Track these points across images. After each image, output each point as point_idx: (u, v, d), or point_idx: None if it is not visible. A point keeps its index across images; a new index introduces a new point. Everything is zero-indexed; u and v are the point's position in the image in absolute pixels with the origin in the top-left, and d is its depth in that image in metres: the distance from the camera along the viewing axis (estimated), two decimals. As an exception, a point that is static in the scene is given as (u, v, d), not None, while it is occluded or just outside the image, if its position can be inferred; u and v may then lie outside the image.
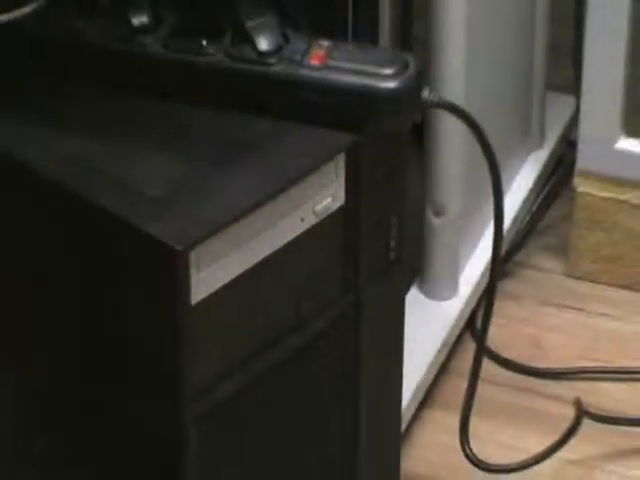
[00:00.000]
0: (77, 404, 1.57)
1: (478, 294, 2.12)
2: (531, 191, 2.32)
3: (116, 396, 1.52)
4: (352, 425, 1.71)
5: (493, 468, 1.95)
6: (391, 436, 1.83)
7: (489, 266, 1.77)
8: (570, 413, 2.02)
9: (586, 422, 1.99)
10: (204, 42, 1.54)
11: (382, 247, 1.65)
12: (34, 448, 1.68)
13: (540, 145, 2.38)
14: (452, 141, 1.99)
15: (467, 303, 2.10)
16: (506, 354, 2.09)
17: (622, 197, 2.27)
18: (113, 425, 1.57)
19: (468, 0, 2.01)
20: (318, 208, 1.51)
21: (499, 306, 2.00)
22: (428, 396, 2.04)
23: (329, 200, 1.51)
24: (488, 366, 2.03)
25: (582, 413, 1.98)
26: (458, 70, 1.96)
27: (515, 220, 2.20)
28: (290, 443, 1.67)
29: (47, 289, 1.54)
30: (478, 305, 2.10)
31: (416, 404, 1.96)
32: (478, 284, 2.12)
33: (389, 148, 1.59)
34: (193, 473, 1.49)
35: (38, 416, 1.70)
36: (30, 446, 1.59)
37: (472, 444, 1.91)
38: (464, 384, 1.89)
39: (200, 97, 1.57)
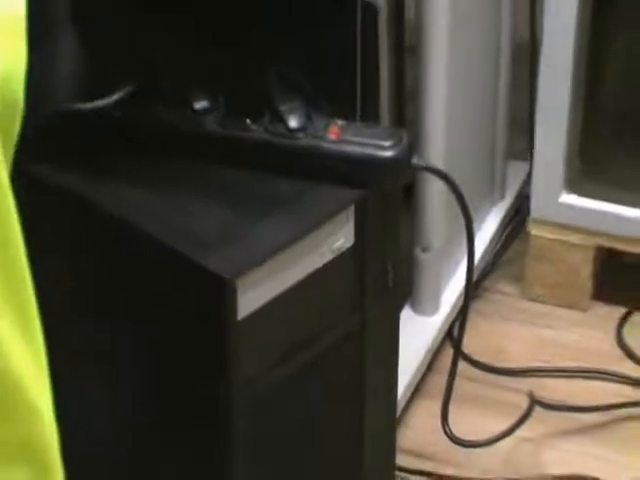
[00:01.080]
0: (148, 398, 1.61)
1: (455, 311, 2.10)
2: (495, 233, 2.28)
3: (179, 386, 1.59)
4: (359, 413, 1.74)
5: (466, 444, 1.96)
6: (388, 420, 1.83)
7: (464, 290, 1.87)
8: (524, 402, 2.04)
9: (537, 409, 2.01)
10: (249, 121, 1.60)
11: (382, 276, 1.69)
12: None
13: (502, 198, 2.36)
14: (435, 195, 2.00)
15: (447, 318, 2.10)
16: (476, 357, 2.07)
17: (564, 239, 2.25)
18: (183, 407, 1.60)
19: (447, 87, 2.02)
20: (334, 247, 1.57)
21: (471, 321, 1.95)
22: (417, 389, 2.04)
23: (342, 241, 1.58)
24: (462, 366, 1.99)
25: (534, 402, 1.99)
26: (440, 141, 1.97)
27: (483, 255, 2.17)
28: (312, 429, 1.72)
29: (121, 312, 1.60)
30: (455, 320, 2.08)
31: (408, 395, 1.98)
32: (455, 304, 2.11)
33: (388, 201, 1.64)
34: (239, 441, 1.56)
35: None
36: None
37: (450, 425, 1.93)
38: (444, 380, 1.92)
39: (245, 162, 1.61)
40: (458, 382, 1.92)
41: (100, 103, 1.55)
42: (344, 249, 1.60)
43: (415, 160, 1.69)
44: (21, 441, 0.94)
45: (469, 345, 2.00)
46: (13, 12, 0.96)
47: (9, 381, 0.90)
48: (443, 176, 1.77)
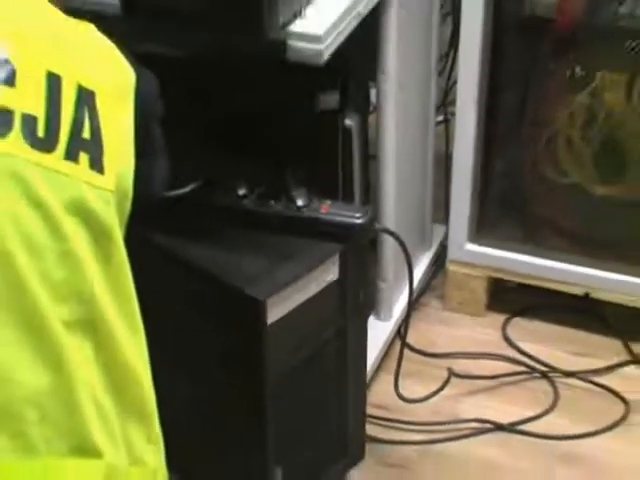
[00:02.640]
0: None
1: (402, 318, 2.14)
2: (426, 270, 2.37)
3: (230, 367, 1.68)
4: (344, 381, 1.86)
5: (408, 400, 2.05)
6: (361, 386, 1.94)
7: (407, 304, 2.00)
8: (446, 374, 2.15)
9: (453, 379, 2.13)
10: (272, 202, 1.72)
11: (356, 297, 1.81)
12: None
13: (430, 248, 2.43)
14: (389, 247, 2.10)
15: (396, 322, 2.19)
16: (416, 346, 2.17)
17: (468, 272, 2.31)
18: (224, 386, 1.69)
19: (395, 183, 2.09)
20: (326, 279, 1.70)
21: (412, 324, 2.07)
22: (378, 367, 2.14)
23: (331, 276, 1.70)
24: (407, 353, 2.06)
25: (451, 374, 2.09)
26: (391, 213, 2.06)
27: (419, 283, 2.22)
28: (316, 391, 1.84)
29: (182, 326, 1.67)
30: (402, 323, 2.12)
31: (372, 371, 2.07)
32: (402, 313, 2.17)
33: (360, 251, 1.77)
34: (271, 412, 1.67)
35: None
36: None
37: (399, 389, 2.03)
38: (395, 361, 2.04)
39: (271, 228, 1.73)
40: (404, 363, 2.04)
41: (180, 192, 1.65)
42: (332, 281, 1.70)
43: (376, 225, 1.89)
44: (138, 407, 1.11)
45: (411, 339, 2.11)
46: (125, 137, 1.11)
47: (129, 367, 1.10)
48: (393, 235, 1.95)
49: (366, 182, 2.02)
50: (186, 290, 1.58)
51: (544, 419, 2.02)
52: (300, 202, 1.69)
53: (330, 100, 1.87)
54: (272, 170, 1.76)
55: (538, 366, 2.15)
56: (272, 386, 1.65)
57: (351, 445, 1.89)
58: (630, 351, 2.14)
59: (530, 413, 2.03)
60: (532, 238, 2.21)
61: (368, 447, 1.92)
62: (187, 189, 1.64)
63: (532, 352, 2.18)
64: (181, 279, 1.63)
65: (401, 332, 2.11)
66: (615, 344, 2.17)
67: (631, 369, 2.12)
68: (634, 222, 2.13)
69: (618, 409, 2.02)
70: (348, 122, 1.89)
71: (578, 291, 2.15)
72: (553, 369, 2.14)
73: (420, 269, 2.21)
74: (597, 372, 2.12)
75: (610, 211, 2.12)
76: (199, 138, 1.61)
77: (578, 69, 2.04)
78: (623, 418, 2.00)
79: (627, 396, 2.04)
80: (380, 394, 2.05)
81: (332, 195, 1.81)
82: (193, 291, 1.64)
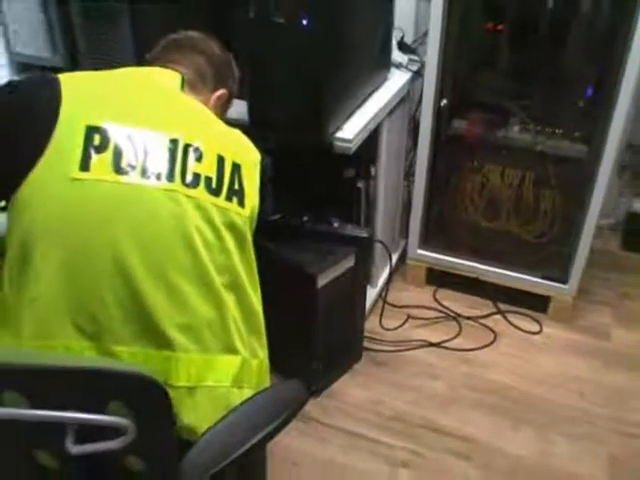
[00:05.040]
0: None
1: (382, 287, 2.08)
2: (396, 262, 2.17)
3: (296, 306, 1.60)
4: (354, 317, 1.78)
5: (386, 329, 1.97)
6: (361, 319, 1.86)
7: (386, 280, 2.01)
8: (405, 316, 2.09)
9: (410, 319, 2.06)
10: (320, 224, 1.66)
11: (362, 275, 1.76)
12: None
13: (397, 250, 2.22)
14: (378, 249, 2.00)
15: (380, 288, 2.08)
16: (390, 301, 2.06)
17: (419, 265, 2.17)
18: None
19: (382, 221, 1.99)
20: (347, 266, 1.65)
21: (388, 290, 2.05)
22: (370, 312, 2.03)
23: (350, 263, 1.65)
24: (386, 306, 2.04)
25: (408, 317, 2.02)
26: (380, 231, 1.96)
27: (392, 269, 2.01)
28: (340, 323, 1.74)
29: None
30: (383, 289, 2.08)
31: (367, 313, 1.95)
32: (382, 284, 2.08)
33: (363, 251, 1.71)
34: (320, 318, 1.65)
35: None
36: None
37: (382, 323, 1.99)
38: (379, 309, 2.03)
39: (319, 237, 1.64)
40: (384, 310, 2.06)
41: (274, 218, 1.58)
42: (350, 266, 1.69)
43: (373, 237, 1.93)
44: (256, 327, 1.09)
45: (387, 298, 2.08)
46: (255, 188, 1.09)
47: (253, 307, 1.07)
48: (382, 243, 2.00)
49: (367, 215, 1.99)
50: (276, 270, 1.49)
51: (454, 341, 2.05)
52: (335, 224, 1.70)
53: (350, 172, 1.89)
54: (320, 208, 1.73)
55: (451, 314, 2.15)
56: (319, 316, 1.65)
57: (355, 351, 1.91)
58: (497, 308, 2.17)
59: (447, 337, 2.05)
60: (450, 247, 2.19)
61: (364, 353, 1.95)
62: (277, 217, 1.61)
63: (448, 306, 2.19)
64: (274, 264, 1.55)
65: (382, 294, 2.13)
66: (489, 304, 2.18)
67: (498, 317, 2.15)
68: (499, 242, 2.11)
69: (491, 336, 2.06)
70: (359, 185, 1.90)
71: (473, 275, 2.17)
72: (459, 315, 2.15)
73: (393, 261, 2.14)
74: (480, 317, 2.13)
75: (490, 234, 2.13)
76: (282, 193, 1.39)
77: (476, 162, 2.05)
78: (493, 341, 2.04)
79: (495, 329, 2.09)
80: (371, 325, 2.06)
81: (350, 221, 1.78)
82: (280, 271, 1.60)
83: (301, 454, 1.64)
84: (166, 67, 1.17)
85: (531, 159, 1.94)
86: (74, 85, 1.01)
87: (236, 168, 1.06)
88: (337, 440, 1.71)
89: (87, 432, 0.74)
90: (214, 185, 1.02)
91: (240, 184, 1.06)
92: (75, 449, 0.73)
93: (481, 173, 2.05)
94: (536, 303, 2.11)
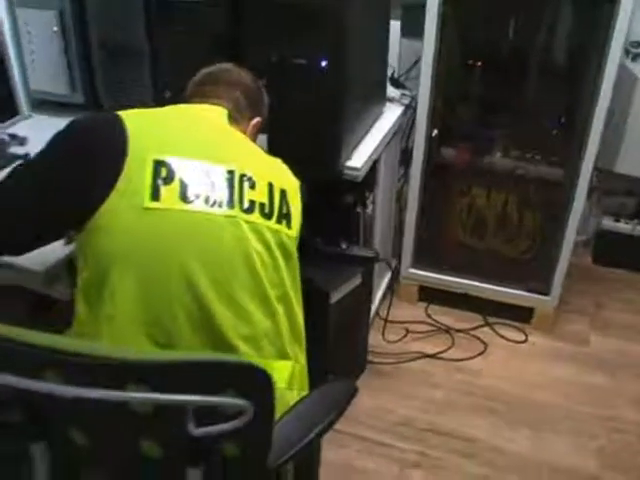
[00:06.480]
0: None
1: (379, 301, 2.17)
2: (389, 280, 2.27)
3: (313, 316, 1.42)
4: (359, 331, 1.86)
5: (388, 342, 2.05)
6: (366, 334, 1.93)
7: (387, 296, 2.14)
8: (404, 331, 2.17)
9: (409, 333, 2.15)
10: (332, 246, 1.70)
11: (367, 291, 1.83)
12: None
13: (391, 269, 2.27)
14: (377, 268, 2.01)
15: (378, 303, 2.14)
16: (390, 319, 2.11)
17: (409, 283, 2.26)
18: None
19: (380, 237, 2.08)
20: (356, 282, 1.71)
21: (385, 306, 2.12)
22: (372, 326, 2.09)
23: (358, 281, 1.72)
24: (381, 320, 2.14)
25: (407, 331, 2.10)
26: (379, 251, 1.87)
27: (386, 287, 2.21)
28: (347, 336, 1.79)
29: None
30: (380, 305, 2.18)
31: (370, 327, 2.02)
32: (379, 300, 2.15)
33: (369, 269, 1.79)
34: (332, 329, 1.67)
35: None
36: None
37: (385, 336, 2.09)
38: (377, 324, 2.12)
39: (331, 257, 1.68)
40: (386, 326, 2.16)
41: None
42: (358, 283, 1.76)
43: (376, 257, 1.86)
44: (298, 336, 1.13)
45: (383, 313, 2.16)
46: (298, 212, 1.14)
47: (297, 317, 1.13)
48: (385, 261, 2.16)
49: (365, 237, 2.02)
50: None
51: (448, 352, 2.16)
52: (344, 246, 1.77)
53: (349, 199, 1.92)
54: (327, 231, 1.74)
55: (443, 327, 2.25)
56: (330, 328, 1.69)
57: (360, 363, 1.99)
58: (486, 320, 2.28)
59: (441, 349, 2.16)
60: (440, 266, 2.30)
61: (367, 365, 2.04)
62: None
63: (440, 320, 2.28)
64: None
65: (379, 311, 2.23)
66: (478, 317, 2.29)
67: (486, 329, 2.27)
68: (485, 259, 2.22)
69: (481, 346, 2.19)
70: (358, 210, 1.93)
71: (462, 291, 2.28)
72: (451, 328, 2.25)
73: (386, 280, 2.31)
74: (470, 329, 2.25)
75: (477, 252, 2.25)
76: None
77: (463, 186, 2.18)
78: (484, 351, 2.17)
79: (485, 340, 2.21)
80: (373, 339, 2.15)
81: (352, 242, 1.84)
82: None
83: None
84: (206, 102, 1.22)
85: (513, 182, 2.09)
86: (137, 123, 1.06)
87: (283, 194, 1.13)
88: (353, 445, 1.83)
89: (202, 417, 0.80)
90: (267, 210, 1.09)
91: (287, 208, 1.13)
92: (197, 431, 0.79)
93: (468, 196, 2.18)
94: (521, 314, 2.25)
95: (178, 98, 1.28)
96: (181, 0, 1.59)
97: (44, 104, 1.97)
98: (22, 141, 1.77)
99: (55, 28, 1.81)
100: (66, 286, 1.29)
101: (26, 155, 1.65)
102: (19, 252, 1.11)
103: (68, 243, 1.22)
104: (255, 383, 0.82)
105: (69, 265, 1.26)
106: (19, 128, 1.86)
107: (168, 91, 1.68)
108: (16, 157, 1.65)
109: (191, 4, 1.60)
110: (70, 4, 1.79)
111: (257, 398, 0.82)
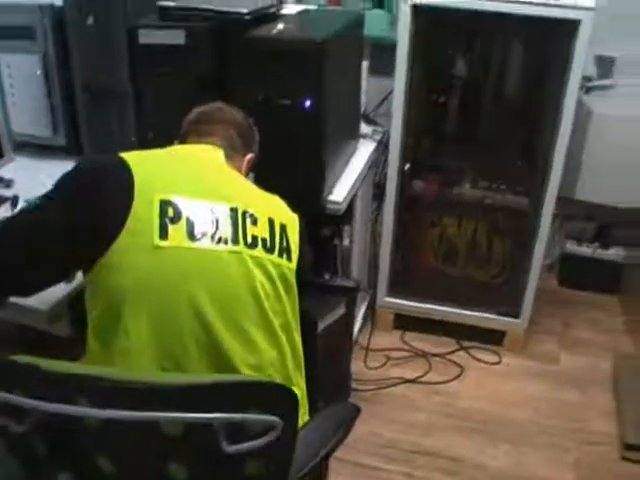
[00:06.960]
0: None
1: (358, 329, 2.20)
2: (365, 310, 2.30)
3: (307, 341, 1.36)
4: (343, 359, 1.86)
5: (369, 368, 2.10)
6: (348, 362, 1.92)
7: (367, 322, 2.15)
8: (384, 359, 2.20)
9: (389, 360, 2.21)
10: (318, 277, 1.75)
11: (350, 319, 1.83)
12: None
13: (368, 298, 2.33)
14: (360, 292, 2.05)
15: (357, 330, 2.17)
16: (371, 347, 2.17)
17: (386, 312, 2.30)
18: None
19: (357, 268, 2.15)
20: (340, 312, 1.73)
21: (364, 334, 2.21)
22: (354, 354, 2.08)
23: (342, 310, 1.73)
24: (361, 349, 2.19)
25: (388, 358, 2.14)
26: (359, 278, 2.02)
27: (364, 315, 2.25)
28: (334, 366, 1.80)
29: None
30: (360, 333, 2.23)
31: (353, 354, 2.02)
32: (359, 326, 2.19)
33: (352, 297, 1.80)
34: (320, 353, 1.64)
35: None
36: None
37: (367, 362, 2.13)
38: (358, 351, 2.17)
39: (318, 289, 1.70)
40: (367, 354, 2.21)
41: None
42: (342, 313, 1.76)
43: (358, 287, 1.94)
44: (299, 363, 1.16)
45: (363, 341, 2.23)
46: (297, 246, 1.15)
47: (297, 345, 1.16)
48: (366, 291, 2.28)
49: (342, 269, 2.09)
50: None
51: (426, 376, 2.21)
52: (327, 276, 1.85)
53: (329, 231, 2.00)
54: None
55: (420, 353, 2.30)
56: (319, 358, 1.67)
57: (345, 390, 2.00)
58: (460, 344, 2.35)
59: (419, 373, 2.22)
60: (415, 293, 2.34)
61: (352, 392, 2.07)
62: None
63: (417, 346, 2.33)
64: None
65: (359, 340, 2.27)
66: (453, 341, 2.36)
67: (461, 352, 2.34)
68: (458, 286, 2.29)
69: (457, 370, 2.25)
70: (335, 242, 2.01)
71: (437, 317, 2.33)
72: (427, 353, 2.30)
73: (363, 309, 2.33)
74: (446, 354, 2.31)
75: (450, 279, 2.32)
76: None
77: (435, 217, 2.25)
78: (460, 374, 2.22)
79: (460, 363, 2.27)
80: (355, 366, 2.16)
81: (332, 273, 1.91)
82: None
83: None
84: (201, 140, 1.24)
85: (482, 211, 2.18)
86: (140, 164, 1.08)
87: (283, 228, 1.16)
88: (343, 470, 1.85)
89: (229, 437, 0.83)
90: (269, 245, 1.12)
91: (287, 242, 1.17)
92: (230, 449, 0.83)
93: (439, 226, 2.25)
94: (493, 337, 2.32)
95: (162, 140, 1.29)
96: (165, 43, 1.60)
97: (26, 146, 1.98)
98: (8, 183, 1.78)
99: (38, 72, 1.83)
100: (66, 323, 1.32)
101: (15, 198, 1.66)
102: (28, 294, 1.13)
103: (69, 282, 1.23)
104: (280, 400, 0.87)
105: (70, 303, 1.29)
106: (4, 171, 1.85)
107: (151, 132, 1.68)
108: (4, 199, 1.66)
109: (175, 47, 1.61)
110: (54, 47, 1.81)
111: (283, 415, 0.87)
